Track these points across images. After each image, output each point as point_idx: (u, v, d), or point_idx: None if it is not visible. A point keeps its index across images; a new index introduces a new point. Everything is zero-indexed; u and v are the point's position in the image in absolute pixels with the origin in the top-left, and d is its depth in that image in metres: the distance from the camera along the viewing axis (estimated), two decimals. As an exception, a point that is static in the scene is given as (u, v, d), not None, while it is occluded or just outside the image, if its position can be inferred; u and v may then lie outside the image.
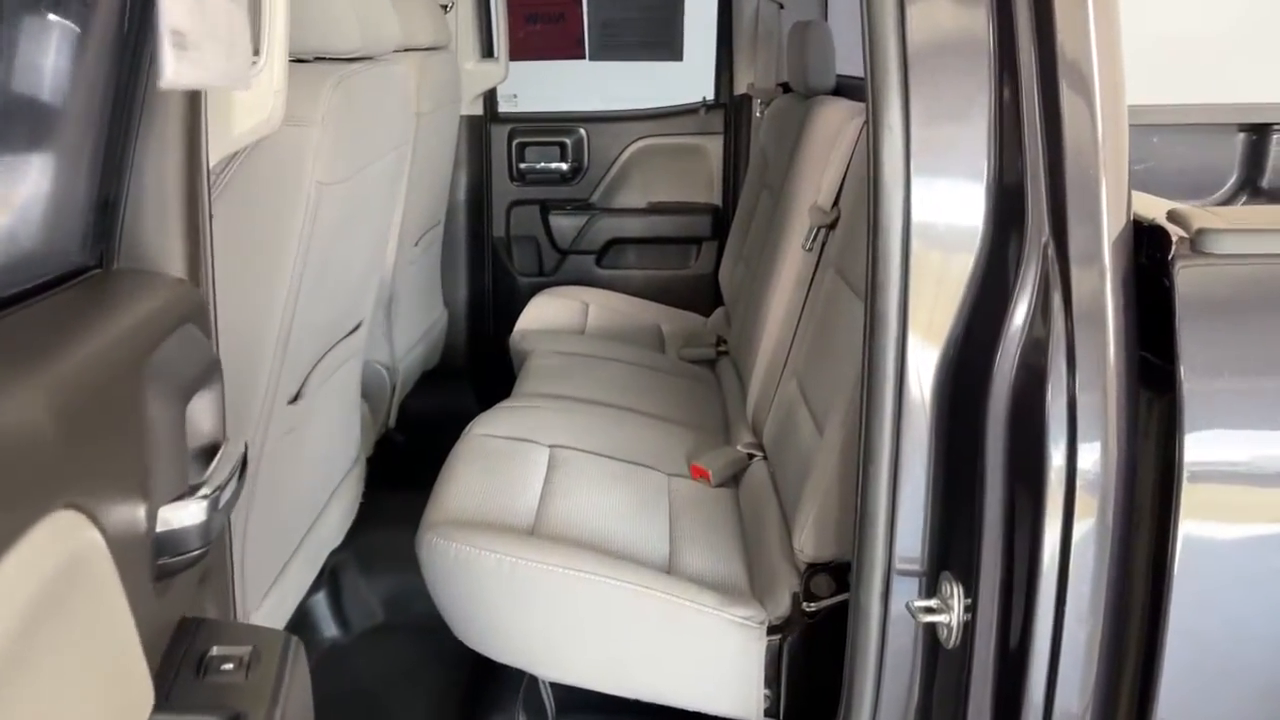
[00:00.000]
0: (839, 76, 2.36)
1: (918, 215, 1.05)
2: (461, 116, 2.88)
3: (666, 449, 1.90)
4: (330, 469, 1.78)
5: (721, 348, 2.53)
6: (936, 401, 1.09)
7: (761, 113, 2.88)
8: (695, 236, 3.10)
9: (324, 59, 1.49)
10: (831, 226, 1.76)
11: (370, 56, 1.54)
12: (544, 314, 2.74)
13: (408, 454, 2.38)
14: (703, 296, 3.12)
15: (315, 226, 1.32)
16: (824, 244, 1.77)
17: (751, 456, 1.87)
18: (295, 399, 1.46)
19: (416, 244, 2.51)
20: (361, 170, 1.48)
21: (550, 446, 1.80)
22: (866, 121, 1.11)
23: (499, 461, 1.71)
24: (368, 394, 2.30)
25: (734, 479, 1.86)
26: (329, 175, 1.33)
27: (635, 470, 1.78)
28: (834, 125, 1.96)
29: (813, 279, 1.79)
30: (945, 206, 1.06)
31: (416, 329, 2.62)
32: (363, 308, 1.77)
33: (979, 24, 1.03)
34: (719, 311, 2.87)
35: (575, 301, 2.85)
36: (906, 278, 1.07)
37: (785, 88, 2.70)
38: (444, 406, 3.03)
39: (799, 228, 1.94)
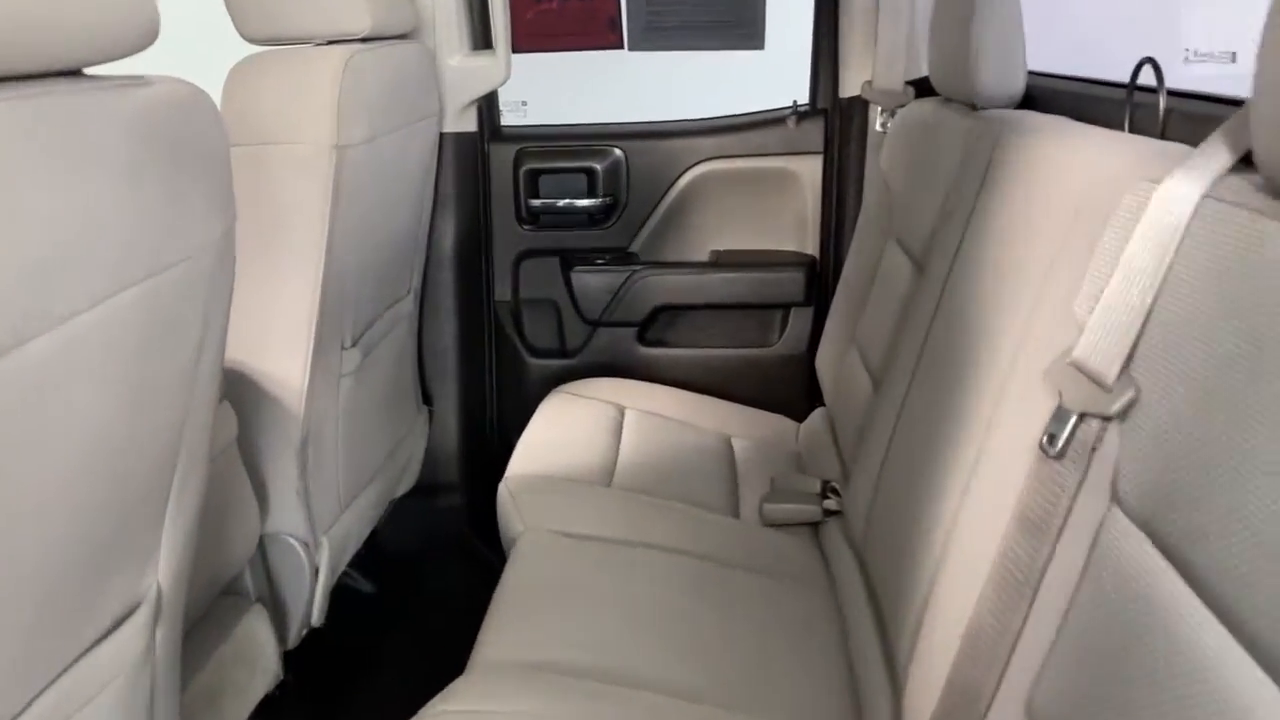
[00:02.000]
0: (1032, 74, 1.42)
1: None
2: (444, 134, 1.98)
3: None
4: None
5: (830, 502, 1.59)
6: None
7: (884, 125, 1.93)
8: (782, 302, 2.16)
9: None
10: (1116, 417, 0.79)
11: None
12: (556, 433, 1.82)
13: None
14: (792, 388, 2.18)
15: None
16: (1093, 448, 0.79)
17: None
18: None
19: (355, 343, 1.63)
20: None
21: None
22: None
23: None
24: (276, 581, 1.51)
25: None
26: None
27: None
28: (1078, 180, 1.00)
29: (1068, 515, 0.82)
30: None
31: (360, 469, 1.74)
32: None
33: None
34: (818, 415, 1.94)
35: (605, 406, 1.93)
36: None
37: (920, 88, 1.76)
38: (422, 545, 2.15)
39: (1004, 378, 0.98)
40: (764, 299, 2.16)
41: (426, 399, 2.10)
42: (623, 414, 1.93)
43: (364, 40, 1.54)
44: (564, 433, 1.82)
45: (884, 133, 1.93)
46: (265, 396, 1.46)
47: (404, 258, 1.85)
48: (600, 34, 2.10)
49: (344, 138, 1.42)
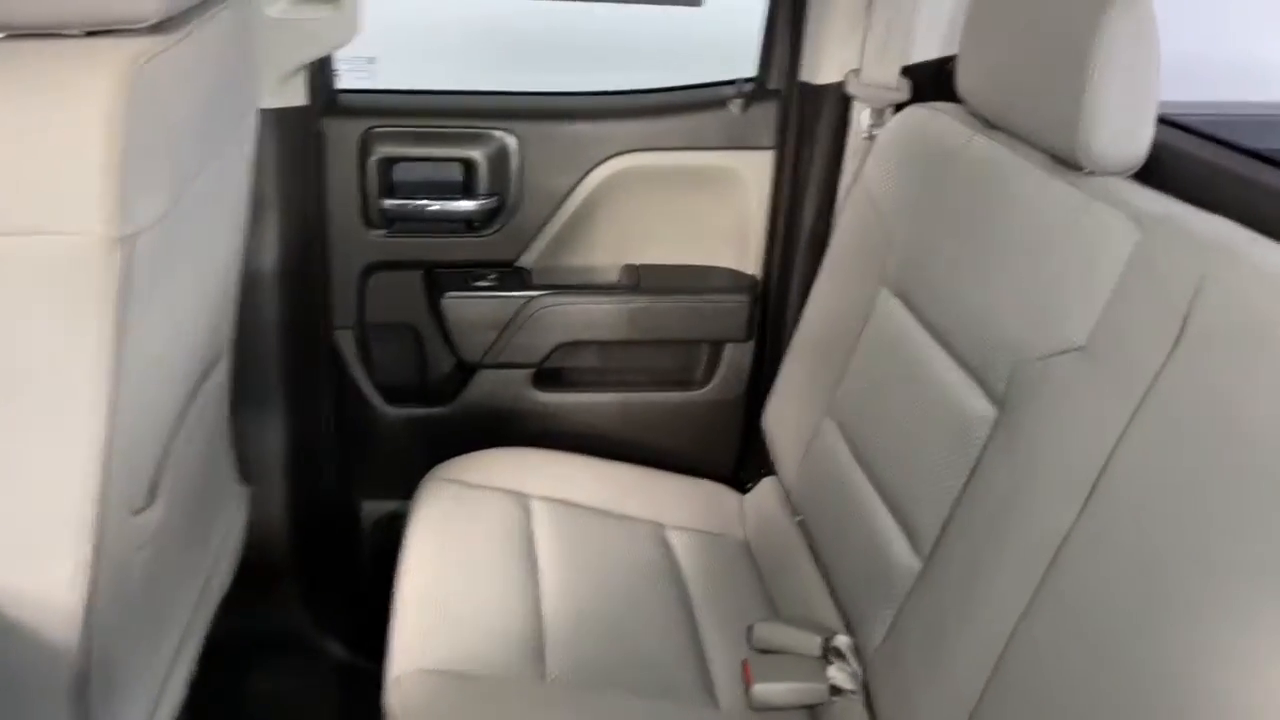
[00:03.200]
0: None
1: None
2: (263, 111, 1.37)
3: None
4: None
5: (837, 672, 1.19)
6: None
7: (872, 129, 1.48)
8: (717, 337, 1.71)
9: None
10: None
11: None
12: (447, 563, 1.31)
13: None
14: (726, 441, 1.75)
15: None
16: None
17: None
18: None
19: (154, 496, 1.06)
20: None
21: None
22: None
23: None
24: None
25: None
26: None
27: None
28: None
29: None
30: None
31: (167, 647, 1.18)
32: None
33: None
34: (768, 489, 1.53)
35: (502, 499, 1.44)
36: None
37: (940, 89, 1.33)
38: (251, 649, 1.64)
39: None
40: (695, 332, 1.69)
41: (245, 469, 1.53)
42: (528, 510, 1.44)
43: (155, 28, 0.88)
44: (457, 560, 1.32)
45: (869, 139, 1.48)
46: (17, 632, 0.89)
47: (217, 313, 1.26)
48: (486, -27, 1.50)
49: (131, 219, 0.82)
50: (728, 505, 1.60)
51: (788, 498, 1.47)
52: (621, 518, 1.49)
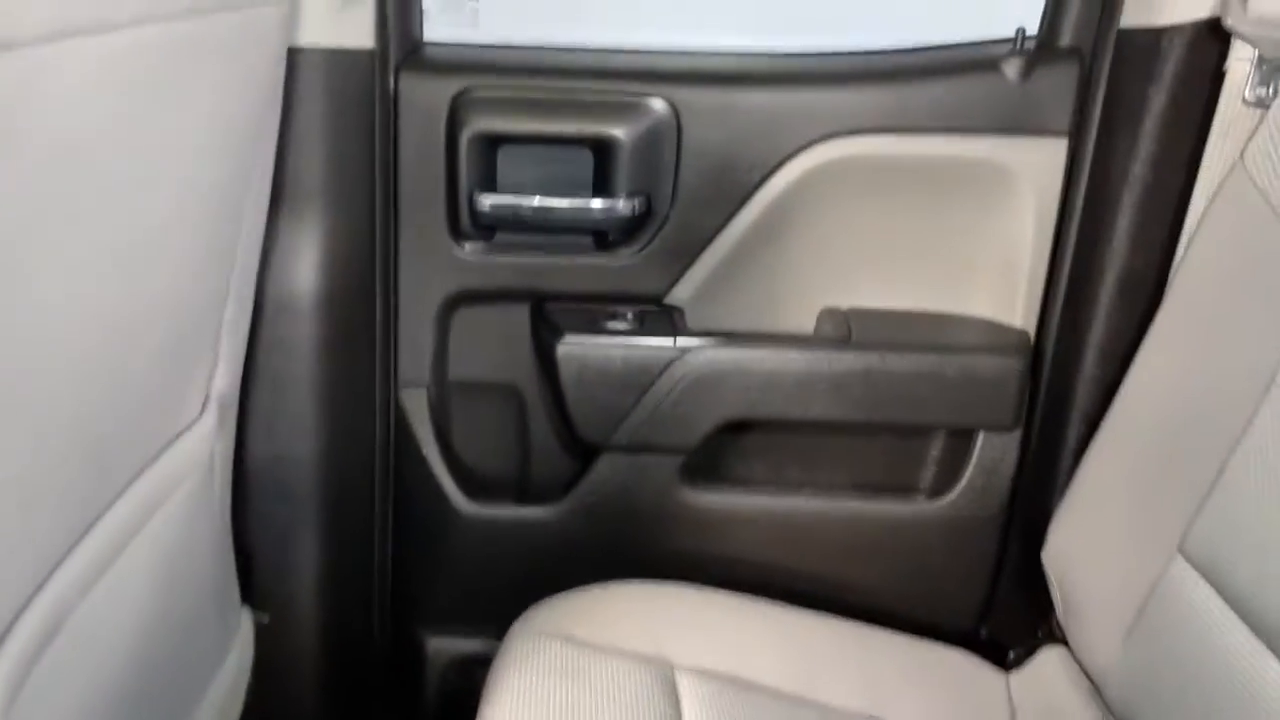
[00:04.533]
0: None
1: None
2: (297, 51, 0.89)
3: None
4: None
5: None
6: None
7: (1264, 94, 0.91)
8: (966, 423, 1.13)
9: None
10: None
11: None
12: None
13: None
14: (976, 583, 1.16)
15: None
16: None
17: None
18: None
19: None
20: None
21: None
22: None
23: None
24: None
25: None
26: None
27: None
28: None
29: None
30: None
31: None
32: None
33: None
34: (1054, 664, 0.94)
35: (633, 669, 0.88)
36: None
37: None
38: None
39: None
40: (931, 414, 1.12)
41: (248, 591, 1.02)
42: (672, 688, 0.88)
43: None
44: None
45: (1260, 107, 0.90)
46: None
47: (186, 329, 0.77)
48: None
49: None
50: (985, 688, 1.00)
51: (1093, 686, 0.89)
52: (818, 707, 0.92)
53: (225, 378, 0.89)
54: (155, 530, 0.79)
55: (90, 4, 0.52)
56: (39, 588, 0.63)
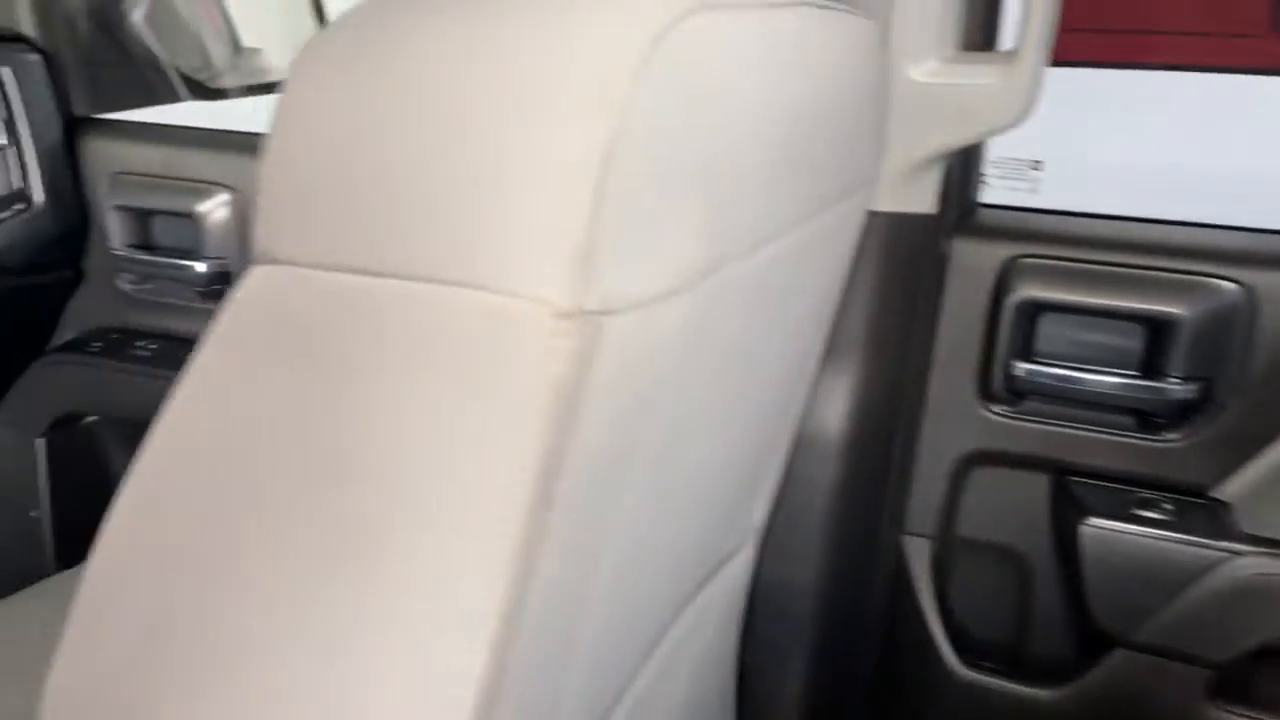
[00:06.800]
0: None
1: None
2: (873, 215, 0.96)
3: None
4: None
5: None
6: None
7: None
8: None
9: None
10: None
11: None
12: None
13: None
14: None
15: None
16: None
17: None
18: None
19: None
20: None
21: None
22: None
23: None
24: None
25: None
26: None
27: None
28: None
29: None
30: None
31: None
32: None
33: None
34: None
35: None
36: None
37: None
38: None
39: None
40: None
41: (741, 702, 1.08)
42: None
43: None
44: None
45: None
46: None
47: (756, 463, 0.85)
48: (1252, 23, 0.96)
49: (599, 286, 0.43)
50: None
51: None
52: None
53: (762, 509, 0.96)
54: (694, 644, 0.86)
55: (743, 235, 0.60)
56: (628, 683, 0.71)
